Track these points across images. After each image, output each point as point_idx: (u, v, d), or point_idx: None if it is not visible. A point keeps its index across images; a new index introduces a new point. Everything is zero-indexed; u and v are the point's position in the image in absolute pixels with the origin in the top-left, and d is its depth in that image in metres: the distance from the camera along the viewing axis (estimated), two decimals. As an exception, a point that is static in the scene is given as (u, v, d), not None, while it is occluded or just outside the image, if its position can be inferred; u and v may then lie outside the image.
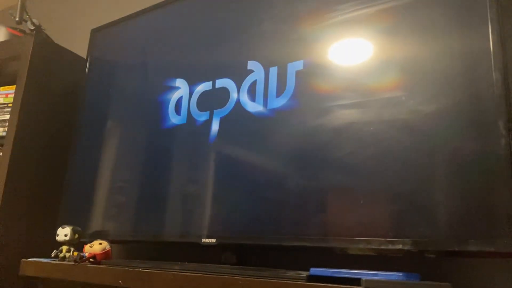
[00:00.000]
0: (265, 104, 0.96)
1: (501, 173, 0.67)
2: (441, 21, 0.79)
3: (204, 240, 0.95)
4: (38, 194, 1.35)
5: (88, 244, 1.01)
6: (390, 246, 0.73)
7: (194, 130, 1.07)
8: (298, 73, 0.93)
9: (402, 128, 0.78)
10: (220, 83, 1.06)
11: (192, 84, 1.12)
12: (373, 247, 0.75)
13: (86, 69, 1.41)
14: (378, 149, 0.79)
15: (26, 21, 1.37)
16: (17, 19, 1.31)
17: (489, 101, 0.71)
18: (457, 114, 0.74)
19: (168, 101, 1.16)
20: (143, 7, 1.34)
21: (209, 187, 1.00)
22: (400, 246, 0.73)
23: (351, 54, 0.88)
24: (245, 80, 1.01)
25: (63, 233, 1.07)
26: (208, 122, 1.05)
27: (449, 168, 0.72)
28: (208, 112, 1.06)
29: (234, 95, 1.02)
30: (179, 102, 1.13)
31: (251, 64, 1.02)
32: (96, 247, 1.00)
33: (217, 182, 0.99)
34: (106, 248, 1.01)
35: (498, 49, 0.72)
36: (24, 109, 1.33)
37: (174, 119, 1.13)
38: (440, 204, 0.72)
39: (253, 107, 0.98)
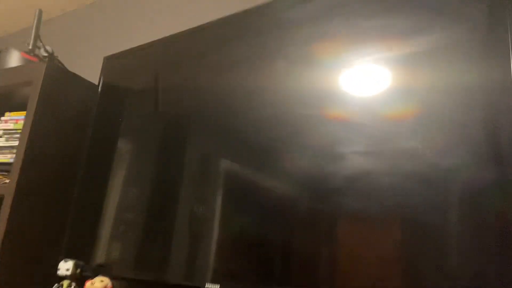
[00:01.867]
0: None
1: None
2: (460, 68, 0.77)
3: (207, 285, 0.91)
4: (43, 224, 1.32)
5: (90, 281, 0.99)
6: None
7: (202, 162, 1.05)
8: (308, 115, 0.91)
9: (415, 179, 0.75)
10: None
11: (201, 113, 1.10)
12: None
13: (98, 96, 1.40)
14: (389, 199, 0.76)
15: (39, 48, 1.38)
16: (30, 47, 1.32)
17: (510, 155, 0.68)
18: (476, 166, 0.70)
19: (176, 132, 1.14)
20: (155, 37, 1.34)
21: (216, 229, 0.97)
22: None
23: (365, 98, 0.85)
24: (256, 113, 0.99)
25: (65, 267, 1.05)
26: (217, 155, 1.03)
27: (467, 225, 0.69)
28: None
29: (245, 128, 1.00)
30: (187, 133, 1.11)
31: (262, 96, 1.00)
32: (98, 284, 0.98)
33: (224, 224, 0.96)
34: (108, 285, 0.98)
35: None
36: (33, 136, 1.31)
37: (182, 151, 1.10)
38: (459, 262, 0.68)
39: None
